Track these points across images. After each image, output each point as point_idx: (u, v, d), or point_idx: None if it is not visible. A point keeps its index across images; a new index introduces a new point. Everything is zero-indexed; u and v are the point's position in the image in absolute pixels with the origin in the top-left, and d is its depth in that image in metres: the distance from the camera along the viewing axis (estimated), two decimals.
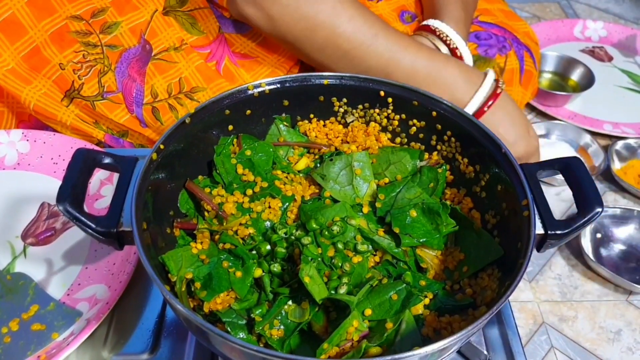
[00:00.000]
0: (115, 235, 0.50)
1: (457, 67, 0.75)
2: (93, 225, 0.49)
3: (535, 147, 0.77)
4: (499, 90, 0.74)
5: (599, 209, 0.50)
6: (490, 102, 0.74)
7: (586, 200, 0.51)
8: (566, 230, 0.51)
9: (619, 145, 1.04)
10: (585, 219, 0.50)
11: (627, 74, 1.28)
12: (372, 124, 0.69)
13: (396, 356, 0.41)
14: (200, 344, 0.60)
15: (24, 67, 0.77)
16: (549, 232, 0.51)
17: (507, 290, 0.46)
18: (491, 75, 0.75)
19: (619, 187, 0.99)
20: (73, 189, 0.49)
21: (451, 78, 0.75)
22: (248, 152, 0.64)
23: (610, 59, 1.33)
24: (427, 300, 0.54)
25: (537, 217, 0.51)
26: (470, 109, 0.74)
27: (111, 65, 0.78)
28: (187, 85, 0.82)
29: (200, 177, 0.63)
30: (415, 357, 0.42)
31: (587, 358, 0.75)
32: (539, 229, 0.51)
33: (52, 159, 0.79)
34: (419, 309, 0.53)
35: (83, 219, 0.48)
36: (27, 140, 0.81)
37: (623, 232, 0.90)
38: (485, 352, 0.60)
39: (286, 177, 0.64)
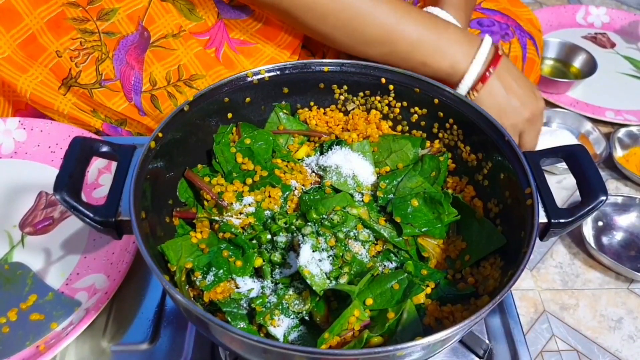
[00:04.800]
0: (114, 225, 0.49)
1: (458, 31, 0.73)
2: (91, 215, 0.48)
3: (541, 109, 0.75)
4: (500, 52, 0.73)
5: (603, 197, 0.50)
6: (491, 66, 0.72)
7: (590, 188, 0.51)
8: (570, 219, 0.50)
9: (621, 132, 1.04)
10: (590, 207, 0.50)
11: (629, 60, 1.27)
12: (373, 111, 0.68)
13: (398, 346, 0.41)
14: (200, 333, 0.60)
15: (20, 55, 0.76)
16: (552, 220, 0.50)
17: (510, 280, 0.45)
18: (488, 39, 0.73)
19: (621, 175, 0.99)
20: (70, 177, 0.48)
21: (454, 43, 0.72)
22: (247, 141, 0.63)
23: (613, 45, 1.31)
24: (428, 290, 0.54)
25: (540, 205, 0.50)
26: (473, 72, 0.71)
27: (109, 52, 0.77)
28: (186, 72, 0.81)
29: (199, 165, 0.63)
30: (417, 347, 0.42)
31: (588, 346, 0.75)
32: (542, 218, 0.50)
33: (49, 147, 0.78)
34: (420, 298, 0.52)
35: (81, 208, 0.48)
36: (24, 128, 0.80)
37: (625, 220, 0.89)
38: (487, 341, 0.60)
39: (286, 166, 0.64)
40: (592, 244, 0.84)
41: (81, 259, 0.67)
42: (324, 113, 0.69)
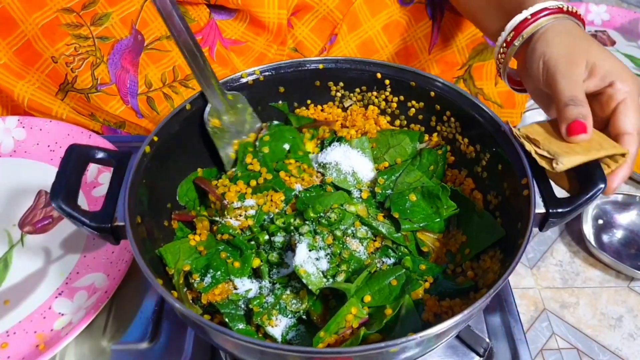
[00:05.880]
0: (110, 231, 0.49)
1: None
2: (87, 222, 0.48)
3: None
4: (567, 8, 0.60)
5: (602, 185, 0.49)
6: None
7: (588, 177, 0.50)
8: (568, 208, 0.50)
9: None
10: (588, 195, 0.49)
11: (629, 58, 1.26)
12: (371, 107, 0.68)
13: (390, 343, 0.41)
14: None
15: (16, 62, 0.76)
16: (550, 210, 0.50)
17: (505, 271, 0.45)
18: None
19: None
20: (66, 185, 0.49)
21: None
22: (266, 138, 0.62)
23: (613, 43, 1.31)
24: (427, 285, 0.54)
25: (538, 195, 0.50)
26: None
27: (103, 57, 0.77)
28: (180, 73, 0.81)
29: (199, 170, 0.62)
30: (411, 343, 0.42)
31: (588, 344, 0.75)
32: (540, 208, 0.50)
33: (48, 146, 0.78)
34: (419, 293, 0.52)
35: (77, 215, 0.48)
36: (23, 127, 0.80)
37: (625, 218, 0.89)
38: (488, 340, 0.60)
39: (298, 167, 0.63)
40: (592, 242, 0.84)
41: (81, 258, 0.67)
42: (322, 110, 0.69)
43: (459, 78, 0.93)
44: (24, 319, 0.60)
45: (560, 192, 0.51)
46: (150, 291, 0.65)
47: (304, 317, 0.52)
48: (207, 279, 0.53)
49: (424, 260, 0.57)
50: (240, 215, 0.58)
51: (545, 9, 0.58)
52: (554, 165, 0.49)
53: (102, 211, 0.49)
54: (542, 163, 0.51)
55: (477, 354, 0.60)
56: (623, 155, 0.51)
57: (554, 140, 0.52)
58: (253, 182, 0.60)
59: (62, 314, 0.61)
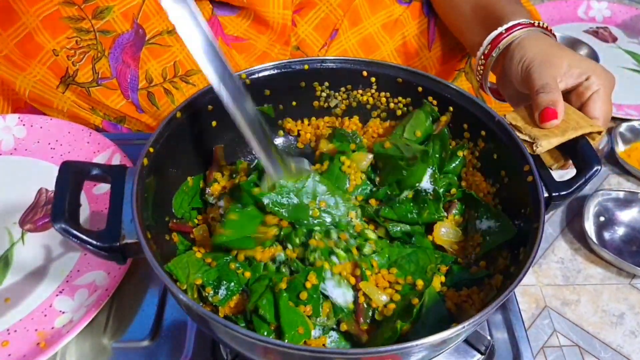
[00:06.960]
0: (119, 249, 0.48)
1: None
2: (94, 242, 0.47)
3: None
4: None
5: (598, 167, 0.52)
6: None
7: (584, 160, 0.54)
8: (569, 190, 0.52)
9: (623, 127, 1.03)
10: (586, 177, 0.52)
11: (631, 55, 1.26)
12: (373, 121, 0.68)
13: (415, 343, 0.41)
14: (201, 330, 0.60)
15: (17, 54, 0.76)
16: (553, 194, 0.52)
17: (527, 259, 0.46)
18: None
19: (622, 169, 0.98)
20: (66, 206, 0.47)
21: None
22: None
23: (615, 39, 1.31)
24: (442, 278, 0.54)
25: (539, 180, 0.52)
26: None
27: (104, 51, 0.77)
28: (182, 68, 0.81)
29: (189, 179, 0.61)
30: (440, 338, 0.42)
31: (589, 342, 0.75)
32: (544, 192, 0.52)
33: (49, 144, 0.78)
34: (437, 286, 0.53)
35: (83, 236, 0.46)
36: (24, 125, 0.79)
37: (626, 216, 0.89)
38: (489, 337, 0.60)
39: None
40: (594, 239, 0.84)
41: (81, 256, 0.67)
42: (309, 124, 0.69)
43: (461, 70, 0.93)
44: (24, 316, 0.60)
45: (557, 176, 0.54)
46: (151, 289, 0.65)
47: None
48: (222, 291, 0.52)
49: (436, 251, 0.57)
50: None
51: (519, 24, 0.67)
52: (535, 148, 0.55)
53: (107, 230, 0.48)
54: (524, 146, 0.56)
55: (479, 351, 0.60)
56: (599, 132, 0.57)
57: (534, 124, 0.58)
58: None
59: (63, 312, 0.61)
